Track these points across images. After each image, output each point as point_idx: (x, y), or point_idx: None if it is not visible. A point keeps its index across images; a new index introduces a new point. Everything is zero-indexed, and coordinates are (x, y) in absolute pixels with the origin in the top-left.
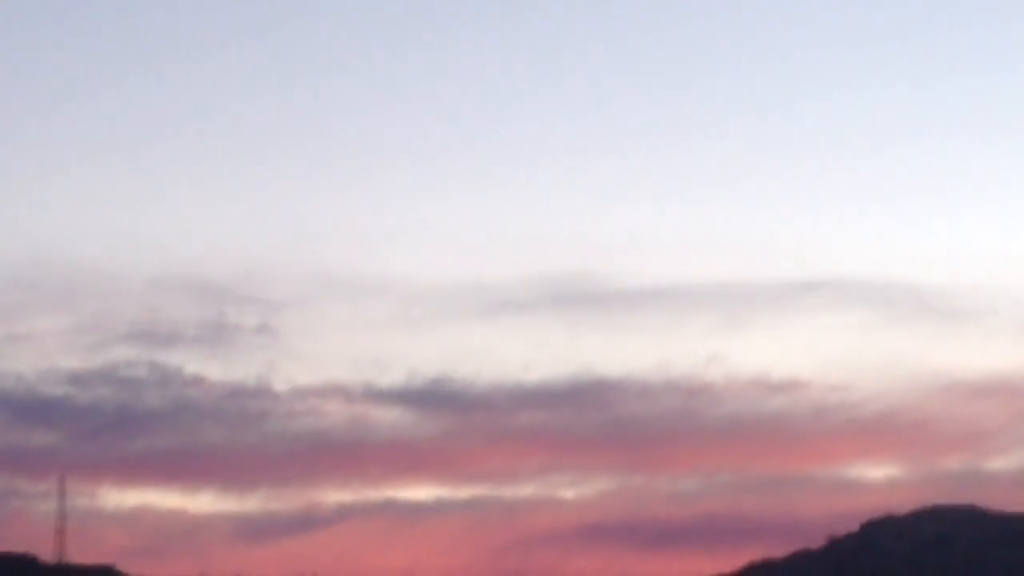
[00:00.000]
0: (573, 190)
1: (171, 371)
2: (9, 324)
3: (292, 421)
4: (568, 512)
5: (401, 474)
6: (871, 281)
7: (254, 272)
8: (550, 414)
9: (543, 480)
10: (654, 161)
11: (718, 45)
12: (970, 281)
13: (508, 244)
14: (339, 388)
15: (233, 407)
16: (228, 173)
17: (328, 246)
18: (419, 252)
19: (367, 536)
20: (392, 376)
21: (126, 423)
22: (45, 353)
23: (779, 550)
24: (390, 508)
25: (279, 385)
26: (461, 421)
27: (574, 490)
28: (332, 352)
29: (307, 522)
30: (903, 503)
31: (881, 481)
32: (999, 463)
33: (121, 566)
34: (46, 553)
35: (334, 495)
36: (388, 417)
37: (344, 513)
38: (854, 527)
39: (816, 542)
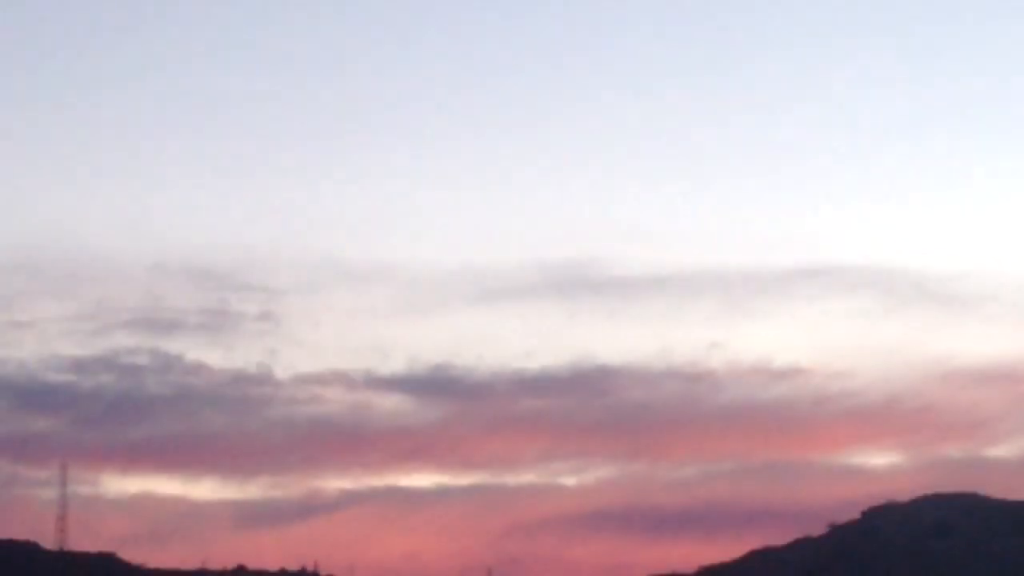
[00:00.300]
0: (574, 177)
1: (173, 358)
2: (11, 311)
3: (293, 408)
4: (569, 499)
5: (402, 461)
6: (872, 268)
7: (256, 259)
8: (551, 401)
9: (544, 467)
10: (656, 148)
11: (720, 34)
12: (971, 268)
13: (509, 231)
14: (340, 375)
15: (234, 394)
16: (230, 161)
17: (329, 233)
18: (420, 239)
19: (368, 523)
20: (393, 363)
21: (128, 410)
22: (47, 340)
23: (780, 537)
24: (391, 495)
25: (280, 372)
26: (462, 408)
27: (575, 477)
28: (333, 339)
29: (308, 509)
30: (904, 490)
31: (882, 468)
32: (1000, 450)
33: (122, 553)
34: (47, 540)
35: (335, 482)
36: (389, 404)
37: (345, 500)
38: (855, 514)
39: (817, 529)
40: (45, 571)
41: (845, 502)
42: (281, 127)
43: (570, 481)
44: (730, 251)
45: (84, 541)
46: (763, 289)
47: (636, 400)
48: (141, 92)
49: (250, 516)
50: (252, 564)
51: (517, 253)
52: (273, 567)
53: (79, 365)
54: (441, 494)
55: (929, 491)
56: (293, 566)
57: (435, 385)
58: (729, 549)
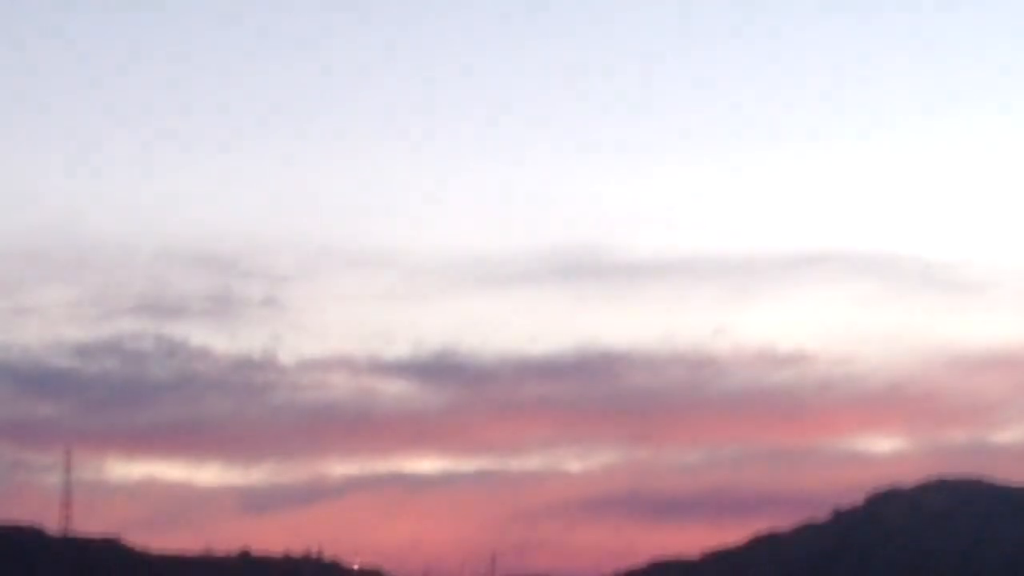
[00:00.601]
0: (579, 162)
1: (177, 343)
2: (15, 296)
3: (298, 393)
4: (574, 484)
5: (407, 446)
6: (877, 253)
7: (260, 244)
8: (556, 386)
9: (549, 452)
10: (660, 134)
11: (722, 19)
12: (976, 253)
13: (514, 216)
14: (345, 360)
15: (239, 379)
16: (234, 146)
17: (334, 218)
18: (425, 224)
19: (373, 508)
20: (398, 348)
21: (132, 395)
22: (51, 325)
23: (785, 522)
24: (396, 480)
25: (285, 357)
26: (467, 393)
27: (580, 462)
28: (338, 324)
29: (313, 494)
30: (909, 475)
31: (887, 453)
32: (1005, 435)
33: (126, 538)
34: (51, 525)
35: (340, 467)
36: (394, 389)
37: (350, 485)
38: (860, 500)
39: (822, 514)
40: (49, 556)
41: (849, 487)
42: (285, 113)
43: (575, 466)
44: (735, 237)
45: (88, 526)
46: (768, 275)
47: (641, 385)
48: (145, 78)
49: (254, 501)
50: (256, 549)
51: (522, 238)
52: (277, 552)
53: (83, 350)
54: (446, 479)
55: (933, 476)
56: (297, 551)
57: (440, 370)
58: (734, 534)
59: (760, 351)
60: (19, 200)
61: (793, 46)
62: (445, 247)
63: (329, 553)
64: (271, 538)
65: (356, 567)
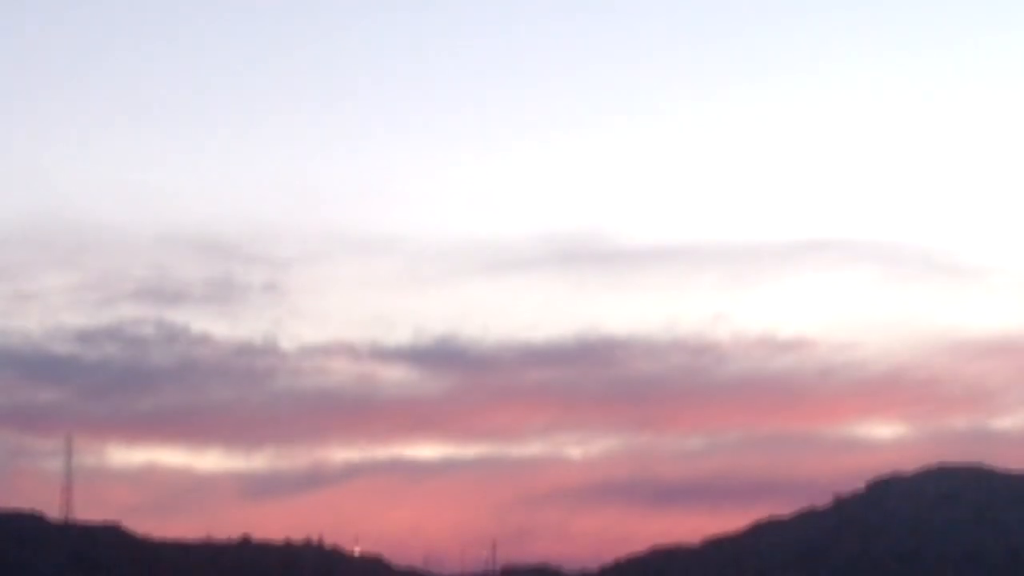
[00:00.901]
0: (580, 148)
1: (178, 329)
2: (16, 281)
3: (299, 379)
4: (574, 471)
5: (408, 432)
6: (878, 239)
7: (261, 230)
8: (557, 372)
9: (550, 438)
10: (661, 120)
11: (722, 8)
12: (977, 239)
13: (515, 202)
14: (346, 346)
15: (240, 365)
16: (236, 131)
17: (335, 204)
18: (426, 210)
19: (374, 494)
20: (399, 334)
21: (133, 381)
22: (52, 311)
23: (785, 509)
24: (397, 466)
25: (286, 343)
26: (468, 379)
27: (581, 449)
28: (339, 310)
29: (314, 480)
30: (909, 462)
31: (887, 440)
32: (1006, 422)
33: (128, 524)
34: (52, 511)
35: (341, 453)
36: (395, 375)
37: (351, 471)
38: (860, 486)
39: (822, 501)
40: (50, 542)
41: (850, 474)
42: (286, 98)
43: (575, 452)
44: (736, 223)
45: (89, 512)
46: (769, 261)
47: (642, 371)
48: (146, 63)
49: (255, 487)
50: (257, 535)
51: (523, 224)
52: (278, 538)
53: (84, 336)
54: (446, 465)
55: (934, 462)
56: (298, 537)
57: (441, 356)
58: (734, 520)
59: (761, 337)
60: (20, 185)
61: (788, 35)
62: (446, 233)
63: (330, 540)
64: (272, 524)
65: (357, 554)
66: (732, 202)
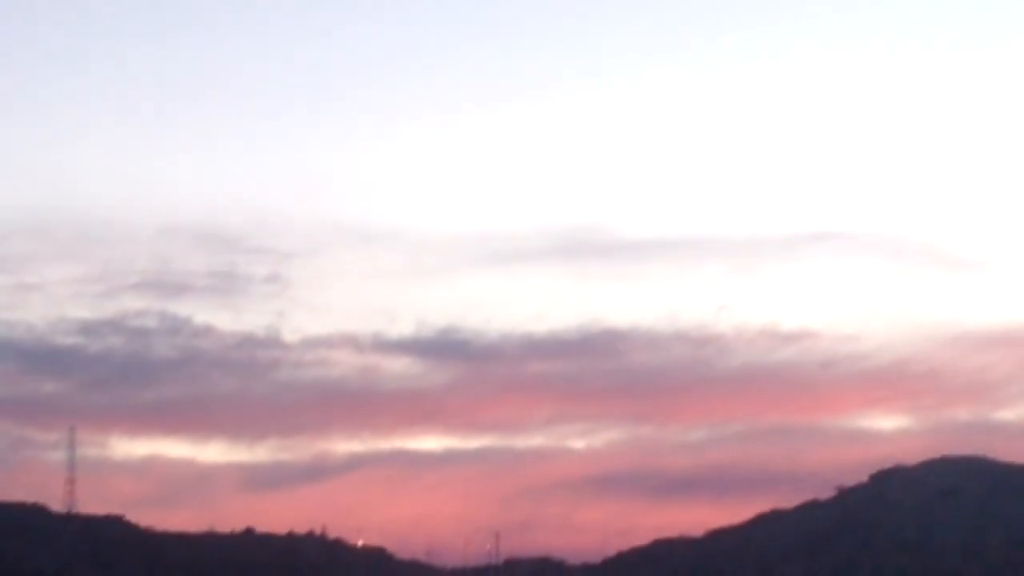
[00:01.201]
0: (583, 141)
1: (181, 321)
2: (19, 273)
3: (301, 371)
4: (577, 462)
5: (411, 424)
6: (881, 231)
7: (264, 222)
8: (560, 364)
9: (552, 430)
10: (663, 112)
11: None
12: (980, 232)
13: (518, 194)
14: (349, 338)
15: (243, 357)
16: (238, 123)
17: (338, 196)
18: (429, 202)
19: (376, 486)
20: (402, 326)
21: (136, 373)
22: (55, 303)
23: (788, 500)
24: (400, 458)
25: (289, 335)
26: (471, 371)
27: (583, 440)
28: (342, 302)
29: (316, 472)
30: (912, 454)
31: (890, 432)
32: (1008, 414)
33: (131, 516)
34: (56, 503)
35: (344, 445)
36: (397, 367)
37: (354, 463)
38: (863, 478)
39: (825, 493)
40: (53, 534)
41: (853, 465)
42: (290, 90)
43: (578, 444)
44: (738, 215)
45: (92, 504)
46: (771, 252)
47: (644, 363)
48: (149, 55)
49: (258, 479)
50: (260, 527)
51: (526, 216)
52: (281, 530)
53: (87, 328)
54: (449, 457)
55: (937, 454)
56: (301, 529)
57: (443, 348)
58: (737, 512)
59: (764, 329)
60: (23, 178)
61: (792, 28)
62: (449, 225)
63: (332, 531)
64: (275, 516)
65: (359, 545)
66: (734, 194)
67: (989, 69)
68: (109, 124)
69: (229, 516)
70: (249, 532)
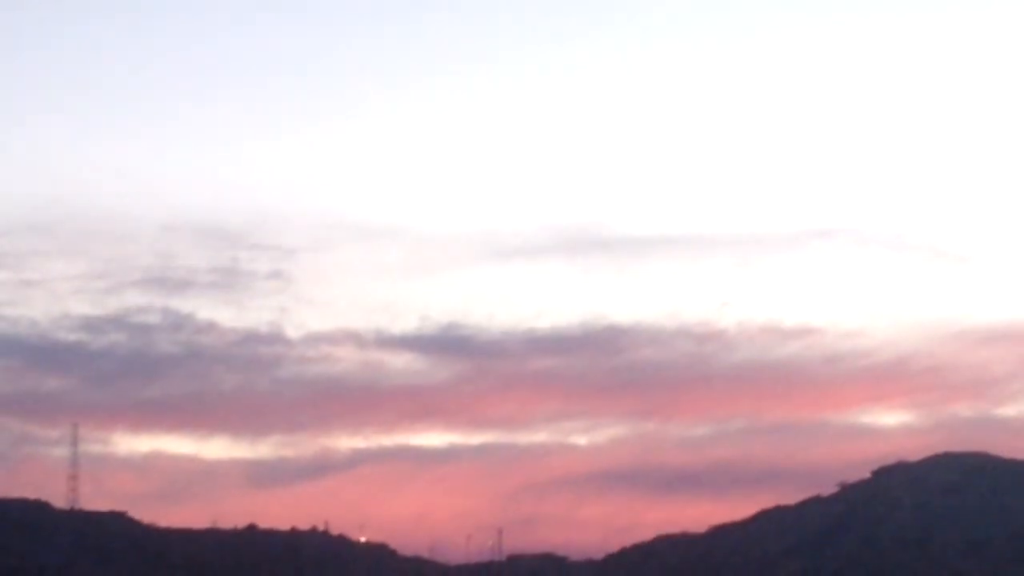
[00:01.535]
0: (585, 138)
1: (184, 317)
2: (22, 270)
3: (304, 367)
4: (580, 458)
5: (413, 420)
6: (884, 228)
7: (267, 218)
8: (562, 360)
9: (555, 426)
10: (666, 109)
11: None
12: (983, 228)
13: (521, 191)
14: (351, 334)
15: (245, 353)
16: (241, 120)
17: (341, 193)
18: (432, 199)
19: (379, 482)
20: (404, 322)
21: (139, 369)
22: (58, 299)
23: (791, 497)
24: (402, 454)
25: (291, 331)
26: (473, 367)
27: (586, 436)
28: (344, 298)
29: (320, 468)
30: (915, 450)
31: (893, 428)
32: (1010, 410)
33: (134, 512)
34: (59, 499)
35: (347, 441)
36: (400, 363)
37: (356, 459)
38: (866, 474)
39: (828, 489)
40: (56, 530)
41: (855, 462)
42: (292, 87)
43: (581, 440)
44: (741, 211)
45: (95, 500)
46: (774, 249)
47: (647, 359)
48: (152, 52)
49: (261, 475)
50: (263, 523)
51: (528, 213)
52: (284, 526)
53: (90, 324)
54: (452, 453)
55: (939, 450)
56: (304, 525)
57: (446, 344)
58: (740, 508)
59: (766, 325)
60: (26, 174)
61: (794, 24)
62: (452, 222)
63: (335, 527)
64: (278, 512)
65: (362, 541)
66: (737, 191)
67: (994, 66)
68: (111, 121)
69: (232, 512)
70: (252, 528)
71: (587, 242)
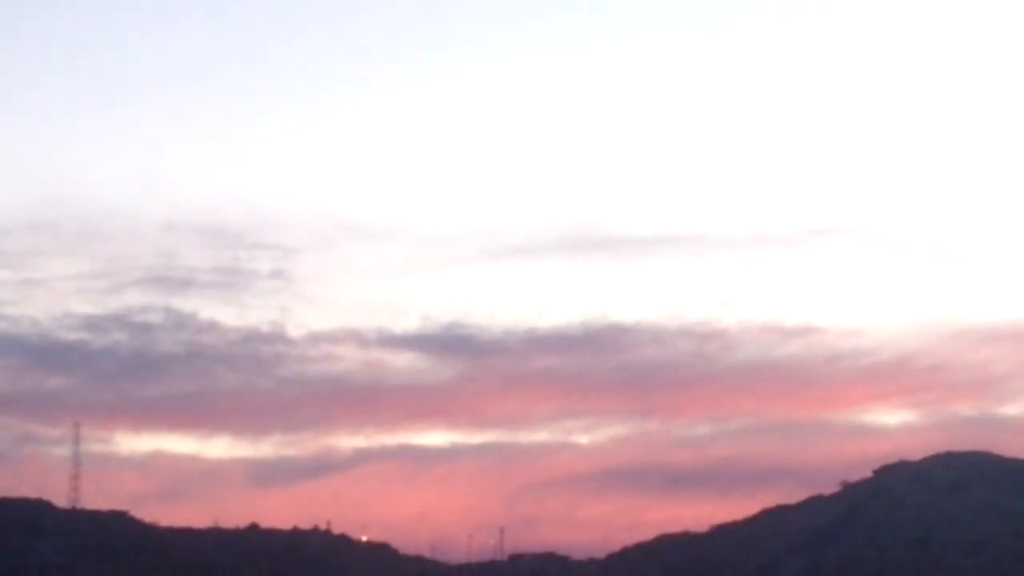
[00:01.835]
0: (586, 139)
1: (185, 316)
2: (24, 269)
3: (306, 366)
4: (582, 457)
5: (415, 419)
6: (885, 227)
7: (268, 217)
8: (564, 359)
9: (557, 425)
10: (668, 109)
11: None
12: (984, 228)
13: (522, 190)
14: (353, 333)
15: (247, 352)
16: (243, 119)
17: (342, 192)
18: (433, 198)
19: (381, 481)
20: (406, 321)
21: (140, 368)
22: (59, 298)
23: (792, 496)
24: (404, 453)
25: (293, 330)
26: (475, 366)
27: (588, 435)
28: (346, 297)
29: (321, 467)
30: (917, 449)
31: (895, 427)
32: (1012, 409)
33: (135, 511)
34: (60, 498)
35: (348, 440)
36: (402, 362)
37: (358, 458)
38: (868, 473)
39: (829, 488)
40: (58, 529)
41: (857, 461)
42: (294, 86)
43: (583, 439)
44: (743, 211)
45: (97, 499)
46: (775, 248)
47: (649, 358)
48: (153, 51)
49: (263, 474)
50: (265, 522)
51: (530, 212)
52: (286, 525)
53: (92, 323)
54: (454, 452)
55: (941, 449)
56: (306, 524)
57: (448, 343)
58: (741, 507)
59: (768, 324)
60: (27, 173)
61: (793, 25)
62: (453, 221)
63: (337, 527)
64: (280, 511)
65: (364, 540)
66: (738, 191)
67: (995, 65)
68: (113, 120)
69: (234, 511)
70: (254, 527)
71: (588, 241)
